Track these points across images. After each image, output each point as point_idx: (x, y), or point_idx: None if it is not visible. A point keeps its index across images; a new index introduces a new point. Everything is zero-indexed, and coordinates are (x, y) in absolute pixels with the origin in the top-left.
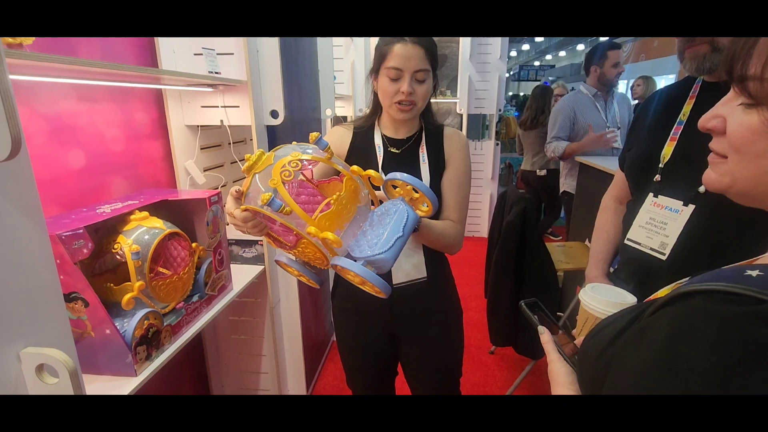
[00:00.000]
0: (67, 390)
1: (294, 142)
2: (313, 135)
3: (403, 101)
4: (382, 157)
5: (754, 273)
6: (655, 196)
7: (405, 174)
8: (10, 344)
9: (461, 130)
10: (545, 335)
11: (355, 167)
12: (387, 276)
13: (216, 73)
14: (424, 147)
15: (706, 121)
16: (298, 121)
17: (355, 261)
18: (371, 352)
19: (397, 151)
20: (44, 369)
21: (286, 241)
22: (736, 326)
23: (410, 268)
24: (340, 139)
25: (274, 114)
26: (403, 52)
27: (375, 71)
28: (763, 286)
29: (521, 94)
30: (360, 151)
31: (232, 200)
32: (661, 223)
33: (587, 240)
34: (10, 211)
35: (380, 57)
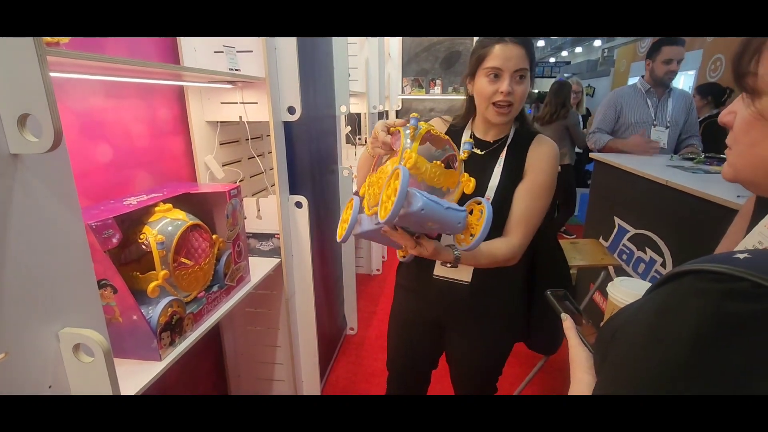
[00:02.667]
0: (102, 369)
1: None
2: (467, 139)
3: (500, 102)
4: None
5: (742, 256)
6: None
7: (489, 204)
8: (50, 324)
9: None
10: (567, 322)
11: (466, 175)
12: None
13: (236, 70)
14: (505, 152)
15: (723, 116)
16: (313, 117)
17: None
18: (418, 331)
19: (480, 153)
20: (80, 348)
21: (376, 169)
22: (714, 301)
23: (452, 270)
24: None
25: (291, 110)
26: (503, 52)
27: (471, 74)
28: (746, 267)
29: (536, 91)
30: None
31: (382, 125)
32: None
33: (601, 237)
34: (51, 200)
35: (478, 59)
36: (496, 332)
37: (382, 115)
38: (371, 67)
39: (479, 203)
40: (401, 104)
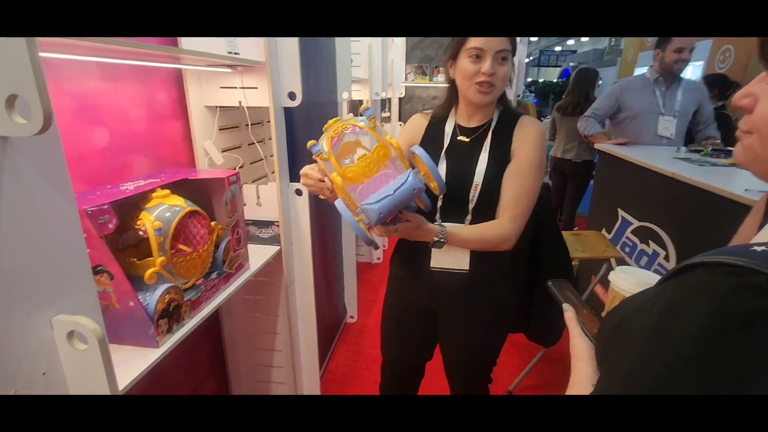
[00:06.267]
0: (96, 356)
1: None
2: (363, 106)
3: (483, 82)
4: (447, 144)
5: (760, 248)
6: None
7: (419, 148)
8: (44, 311)
9: None
10: (569, 312)
11: (389, 137)
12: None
13: (235, 53)
14: (490, 136)
15: (738, 99)
16: (315, 103)
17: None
18: (412, 321)
19: (466, 140)
20: (74, 336)
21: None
22: (725, 296)
23: (449, 259)
24: (417, 126)
25: (291, 96)
26: None
27: (453, 56)
28: (763, 260)
29: (541, 80)
30: (431, 138)
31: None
32: None
33: (604, 229)
34: (42, 184)
35: (460, 41)
36: (491, 321)
37: (385, 102)
38: (374, 53)
39: (414, 153)
40: (404, 91)
